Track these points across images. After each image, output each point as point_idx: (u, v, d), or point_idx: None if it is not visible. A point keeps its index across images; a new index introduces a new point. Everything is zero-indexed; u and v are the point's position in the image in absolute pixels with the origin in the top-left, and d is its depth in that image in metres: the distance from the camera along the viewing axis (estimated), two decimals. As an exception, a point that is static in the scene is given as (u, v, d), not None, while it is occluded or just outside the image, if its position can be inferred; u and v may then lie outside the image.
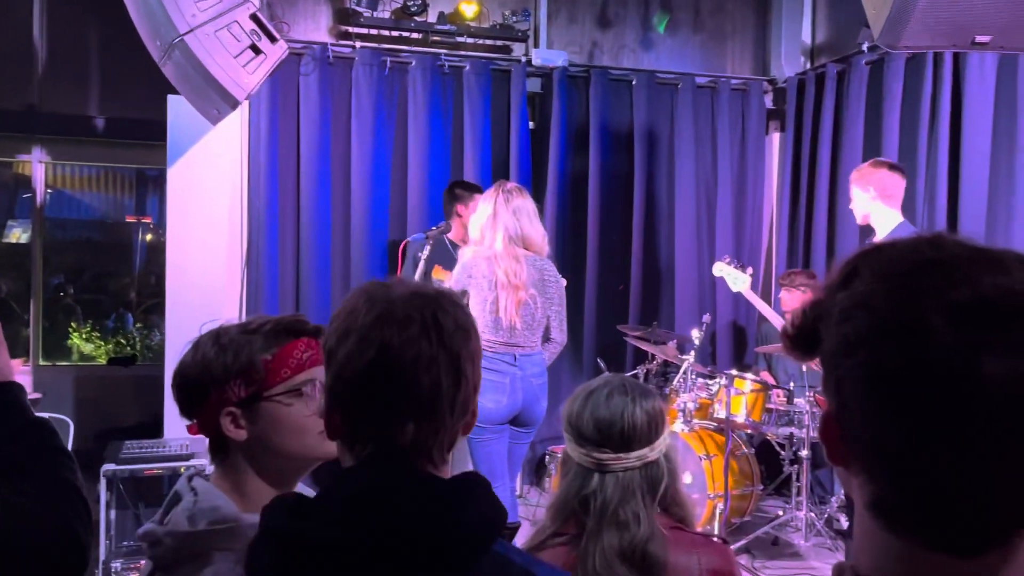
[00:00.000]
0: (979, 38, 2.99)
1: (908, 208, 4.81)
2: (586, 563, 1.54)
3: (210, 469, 1.35)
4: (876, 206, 3.69)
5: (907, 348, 0.62)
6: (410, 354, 1.00)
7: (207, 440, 1.30)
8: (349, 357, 1.01)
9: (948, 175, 4.62)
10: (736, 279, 4.53)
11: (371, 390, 1.01)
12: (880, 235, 3.69)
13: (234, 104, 3.82)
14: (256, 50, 3.80)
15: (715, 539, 1.66)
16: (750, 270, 4.58)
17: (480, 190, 4.79)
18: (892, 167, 3.76)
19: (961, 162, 4.53)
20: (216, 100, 3.84)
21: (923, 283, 0.63)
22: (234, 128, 4.99)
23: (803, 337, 0.72)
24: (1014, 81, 4.20)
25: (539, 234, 3.51)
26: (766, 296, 6.18)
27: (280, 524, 0.97)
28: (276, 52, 3.89)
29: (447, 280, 4.59)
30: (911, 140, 4.85)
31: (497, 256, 3.40)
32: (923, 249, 0.67)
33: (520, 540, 3.44)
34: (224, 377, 1.24)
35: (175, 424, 4.82)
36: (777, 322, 4.33)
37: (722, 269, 4.63)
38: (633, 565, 1.53)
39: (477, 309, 3.40)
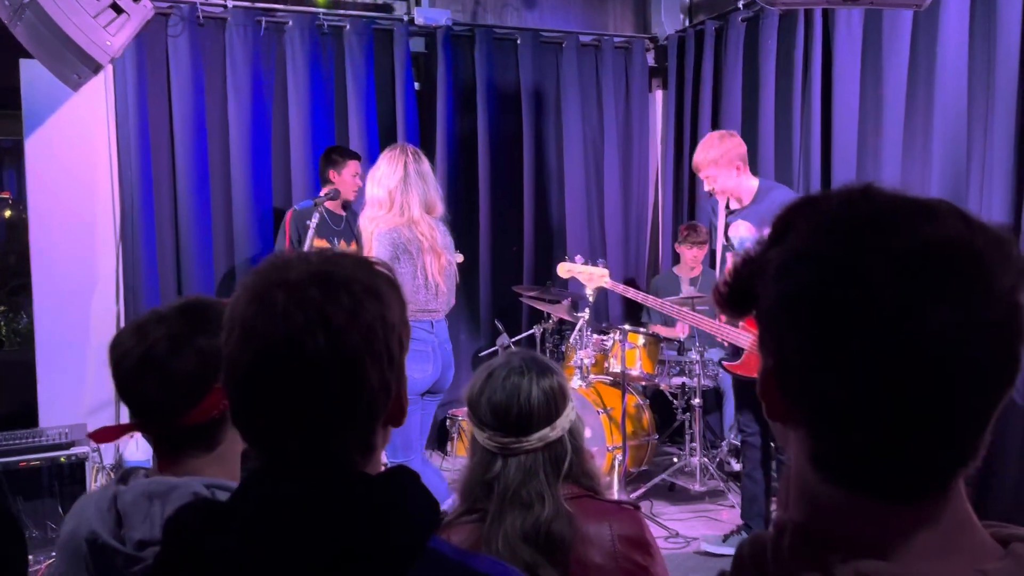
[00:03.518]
0: (849, -6, 3.10)
1: (785, 160, 5.01)
2: (489, 546, 1.51)
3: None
4: (743, 178, 3.66)
5: (850, 301, 0.61)
6: (288, 358, 0.86)
7: (183, 436, 1.23)
8: (231, 356, 0.90)
9: (821, 127, 4.81)
10: (591, 275, 4.10)
11: (247, 396, 0.90)
12: (747, 202, 3.67)
13: (96, 68, 3.56)
14: (117, 9, 3.54)
15: (626, 506, 1.65)
16: (602, 262, 4.28)
17: (356, 156, 4.71)
18: (732, 134, 3.75)
19: (833, 115, 4.72)
20: (76, 64, 3.57)
21: (862, 236, 0.63)
22: (98, 94, 4.68)
23: (737, 295, 0.71)
24: (879, 36, 4.39)
25: (440, 198, 3.51)
26: (654, 251, 6.33)
27: (195, 541, 0.87)
28: (140, 12, 3.63)
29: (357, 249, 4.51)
30: (786, 95, 5.02)
31: (415, 221, 3.36)
32: (857, 202, 0.66)
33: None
34: None
35: (51, 412, 4.56)
36: (652, 303, 4.19)
37: (570, 269, 4.17)
38: (537, 546, 1.50)
39: (407, 276, 3.33)
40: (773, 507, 3.82)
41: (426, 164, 3.47)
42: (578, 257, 4.27)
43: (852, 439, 0.64)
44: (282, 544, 0.84)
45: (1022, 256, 0.63)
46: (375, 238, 3.36)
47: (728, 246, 3.78)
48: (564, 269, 4.22)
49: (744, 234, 3.70)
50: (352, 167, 4.61)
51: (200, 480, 1.20)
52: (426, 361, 3.39)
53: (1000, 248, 0.63)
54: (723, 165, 3.62)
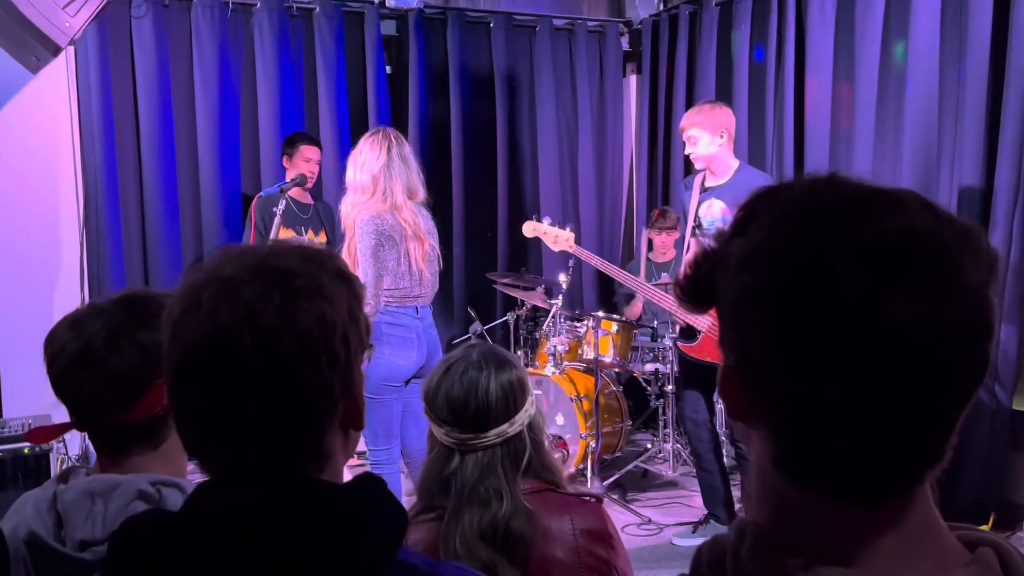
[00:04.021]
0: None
1: (759, 145, 4.99)
2: (447, 545, 1.47)
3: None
4: (724, 150, 3.63)
5: (813, 294, 0.59)
6: (214, 358, 0.81)
7: (126, 433, 1.18)
8: (164, 355, 0.85)
9: (794, 113, 4.80)
10: (557, 237, 4.02)
11: (180, 397, 0.85)
12: (723, 179, 3.66)
13: (55, 50, 3.49)
14: (77, -11, 3.46)
15: (588, 499, 1.61)
16: (570, 226, 4.17)
17: (312, 141, 4.65)
18: (724, 105, 3.72)
19: (806, 100, 4.71)
20: (34, 46, 3.50)
21: (826, 226, 0.60)
22: (60, 78, 4.56)
23: (698, 289, 0.68)
24: (851, 22, 4.38)
25: (422, 183, 3.46)
26: (628, 237, 6.32)
27: (143, 554, 0.82)
28: (100, -8, 3.56)
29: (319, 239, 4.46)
30: (760, 80, 5.01)
31: (398, 207, 3.32)
32: (821, 191, 0.63)
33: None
34: None
35: (14, 402, 4.46)
36: (615, 273, 4.11)
37: (536, 228, 4.09)
38: (495, 544, 1.46)
39: (391, 263, 3.30)
40: (736, 492, 3.83)
41: (408, 148, 3.44)
42: (546, 218, 4.18)
43: (815, 439, 0.61)
44: (237, 560, 0.80)
45: (991, 250, 0.61)
46: (358, 225, 3.30)
47: (697, 228, 3.73)
48: (530, 228, 4.12)
49: (716, 213, 3.67)
50: (304, 152, 4.53)
51: (145, 477, 1.15)
52: (410, 347, 3.36)
53: (969, 241, 0.60)
54: (708, 128, 3.58)
